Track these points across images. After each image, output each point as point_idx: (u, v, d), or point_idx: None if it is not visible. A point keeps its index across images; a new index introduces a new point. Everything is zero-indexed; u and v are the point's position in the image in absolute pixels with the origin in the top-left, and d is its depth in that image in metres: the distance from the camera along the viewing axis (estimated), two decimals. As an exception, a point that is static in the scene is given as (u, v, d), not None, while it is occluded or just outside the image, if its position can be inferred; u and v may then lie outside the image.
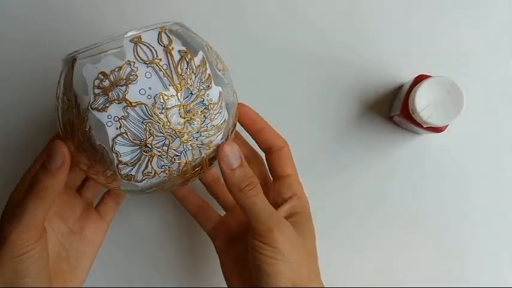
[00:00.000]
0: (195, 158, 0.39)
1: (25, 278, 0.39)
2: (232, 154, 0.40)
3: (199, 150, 0.39)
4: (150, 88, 0.36)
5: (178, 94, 0.37)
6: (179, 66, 0.37)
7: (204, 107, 0.38)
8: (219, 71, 0.41)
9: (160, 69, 0.37)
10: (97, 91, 0.36)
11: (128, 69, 0.36)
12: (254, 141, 0.47)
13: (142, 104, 0.36)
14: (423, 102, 0.45)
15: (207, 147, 0.39)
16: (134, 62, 0.36)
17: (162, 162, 0.38)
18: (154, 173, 0.38)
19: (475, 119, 0.53)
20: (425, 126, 0.47)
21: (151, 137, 0.37)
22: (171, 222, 0.55)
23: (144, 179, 0.38)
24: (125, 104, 0.36)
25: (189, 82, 0.38)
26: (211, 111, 0.39)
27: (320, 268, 0.44)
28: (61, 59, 0.38)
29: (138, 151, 0.37)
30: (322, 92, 0.54)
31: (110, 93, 0.36)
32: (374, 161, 0.54)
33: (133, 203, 0.54)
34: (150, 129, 0.36)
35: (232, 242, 0.47)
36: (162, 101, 0.36)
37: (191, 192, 0.49)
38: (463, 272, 0.54)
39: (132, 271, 0.55)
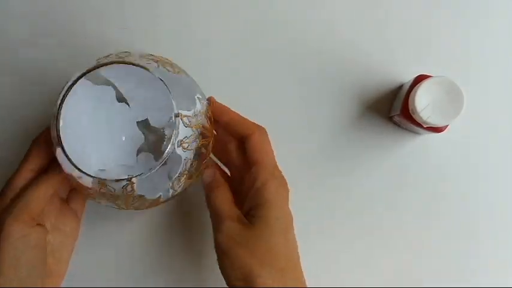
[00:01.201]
0: None
1: (22, 267, 0.42)
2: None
3: None
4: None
5: None
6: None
7: None
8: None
9: None
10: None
11: None
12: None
13: None
14: (423, 102, 0.45)
15: None
16: None
17: None
18: None
19: (475, 119, 0.53)
20: (425, 126, 0.47)
21: None
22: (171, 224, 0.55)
23: None
24: None
25: None
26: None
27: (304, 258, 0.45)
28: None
29: None
30: (321, 92, 0.54)
31: None
32: (374, 161, 0.54)
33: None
34: None
35: None
36: None
37: None
38: (463, 272, 0.54)
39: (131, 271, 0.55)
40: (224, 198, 0.45)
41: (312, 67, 0.54)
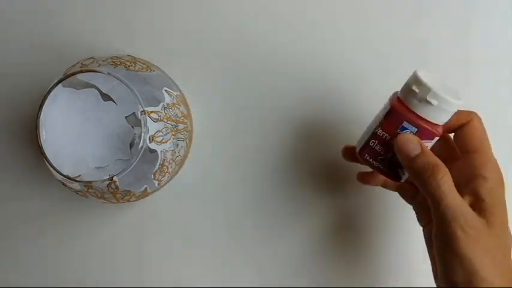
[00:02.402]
0: None
1: None
2: (409, 142, 0.39)
3: None
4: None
5: None
6: None
7: None
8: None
9: None
10: None
11: None
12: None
13: None
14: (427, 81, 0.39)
15: None
16: None
17: None
18: None
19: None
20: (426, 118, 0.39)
21: None
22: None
23: None
24: None
25: None
26: None
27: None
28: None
29: None
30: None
31: None
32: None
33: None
34: None
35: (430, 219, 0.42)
36: None
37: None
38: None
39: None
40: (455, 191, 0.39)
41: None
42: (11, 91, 0.53)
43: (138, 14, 0.53)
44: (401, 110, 0.40)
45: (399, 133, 0.40)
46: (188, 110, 0.48)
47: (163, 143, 0.42)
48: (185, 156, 0.48)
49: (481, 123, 0.42)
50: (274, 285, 0.53)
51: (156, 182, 0.45)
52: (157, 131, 0.42)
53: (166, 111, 0.43)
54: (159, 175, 0.44)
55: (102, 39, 0.53)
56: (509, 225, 0.40)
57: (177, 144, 0.45)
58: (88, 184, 0.41)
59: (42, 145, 0.41)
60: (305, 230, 0.53)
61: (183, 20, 0.53)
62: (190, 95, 0.50)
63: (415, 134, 0.39)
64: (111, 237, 0.54)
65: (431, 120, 0.39)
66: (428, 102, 0.39)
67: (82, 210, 0.53)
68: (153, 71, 0.45)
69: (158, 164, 0.43)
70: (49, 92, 0.41)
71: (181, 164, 0.48)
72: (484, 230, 0.38)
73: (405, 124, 0.39)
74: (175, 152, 0.45)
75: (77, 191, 0.43)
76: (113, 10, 0.53)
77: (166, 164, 0.44)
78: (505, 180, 0.42)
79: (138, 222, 0.54)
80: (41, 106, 0.41)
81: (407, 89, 0.40)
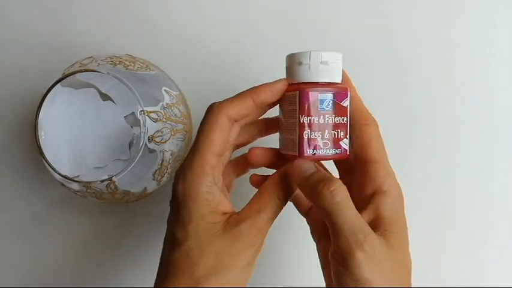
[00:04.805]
0: None
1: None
2: (303, 164, 0.37)
3: None
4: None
5: None
6: None
7: None
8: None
9: None
10: None
11: None
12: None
13: None
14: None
15: None
16: None
17: None
18: None
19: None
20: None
21: None
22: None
23: None
24: None
25: None
26: None
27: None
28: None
29: None
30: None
31: None
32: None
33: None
34: None
35: (325, 235, 0.40)
36: None
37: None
38: (465, 272, 0.53)
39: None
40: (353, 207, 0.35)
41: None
42: (9, 91, 0.53)
43: (137, 13, 0.53)
44: (307, 88, 0.37)
45: (322, 109, 0.37)
46: (188, 110, 0.48)
47: (163, 143, 0.42)
48: (184, 157, 0.48)
49: (378, 131, 0.39)
50: (274, 284, 0.53)
51: (155, 182, 0.45)
52: (157, 131, 0.42)
53: (165, 111, 0.43)
54: (159, 175, 0.44)
55: (101, 38, 0.53)
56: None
57: (177, 144, 0.45)
58: (87, 184, 0.41)
59: (41, 145, 0.41)
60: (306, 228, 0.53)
61: (182, 20, 0.53)
62: (190, 94, 0.50)
63: (334, 99, 0.37)
64: (110, 238, 0.54)
65: (333, 81, 0.37)
66: (325, 63, 0.37)
67: (81, 210, 0.53)
68: (153, 70, 0.45)
69: (157, 164, 0.43)
70: (48, 91, 0.41)
71: (180, 164, 0.47)
72: (383, 251, 0.34)
73: (321, 96, 0.37)
74: (174, 152, 0.45)
75: (76, 191, 0.43)
76: (112, 9, 0.53)
77: (166, 164, 0.44)
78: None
79: (137, 222, 0.54)
80: (39, 106, 0.41)
81: (296, 65, 0.38)
